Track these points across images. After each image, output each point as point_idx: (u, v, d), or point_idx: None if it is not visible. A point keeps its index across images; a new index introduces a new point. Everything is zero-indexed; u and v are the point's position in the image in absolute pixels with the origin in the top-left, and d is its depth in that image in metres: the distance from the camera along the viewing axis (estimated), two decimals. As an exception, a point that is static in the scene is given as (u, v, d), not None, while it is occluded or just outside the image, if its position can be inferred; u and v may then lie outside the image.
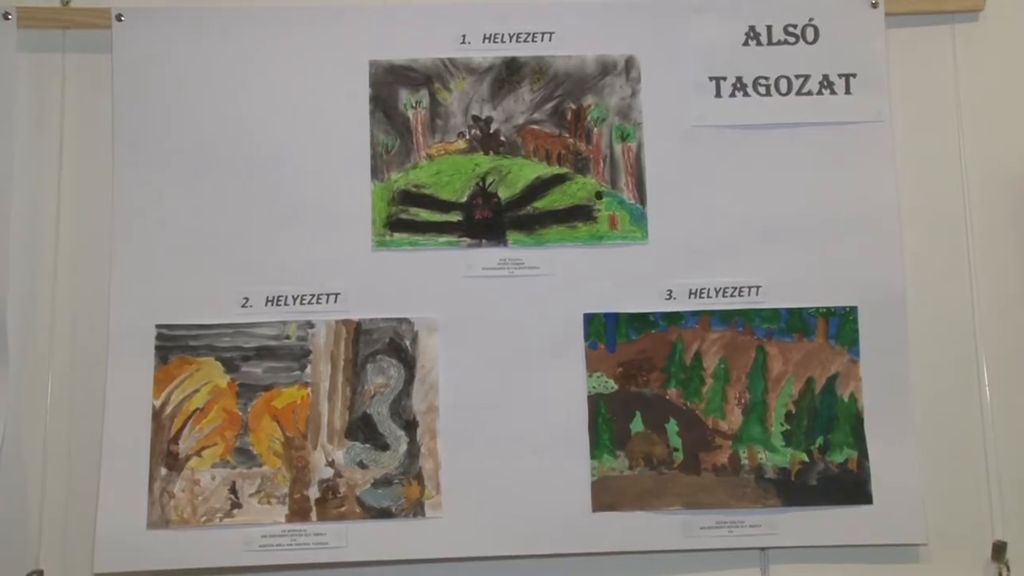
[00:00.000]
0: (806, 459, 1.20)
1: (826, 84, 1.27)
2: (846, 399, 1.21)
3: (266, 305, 1.23)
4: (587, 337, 1.23)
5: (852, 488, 1.20)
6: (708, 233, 1.25)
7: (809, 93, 1.26)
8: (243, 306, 1.22)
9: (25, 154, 1.26)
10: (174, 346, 1.21)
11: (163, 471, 1.19)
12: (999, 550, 1.21)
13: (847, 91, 1.27)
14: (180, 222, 1.23)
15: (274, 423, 1.21)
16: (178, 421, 1.20)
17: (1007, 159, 1.29)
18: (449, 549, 1.19)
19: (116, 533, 1.17)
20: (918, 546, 1.21)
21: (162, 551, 1.17)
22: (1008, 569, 1.21)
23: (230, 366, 1.21)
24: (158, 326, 1.21)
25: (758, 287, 1.23)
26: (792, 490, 1.20)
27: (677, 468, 1.21)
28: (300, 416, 1.21)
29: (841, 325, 1.22)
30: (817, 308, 1.23)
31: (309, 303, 1.23)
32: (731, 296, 1.23)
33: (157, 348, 1.21)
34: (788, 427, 1.21)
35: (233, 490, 1.19)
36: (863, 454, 1.20)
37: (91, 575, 1.19)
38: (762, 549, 1.21)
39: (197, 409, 1.20)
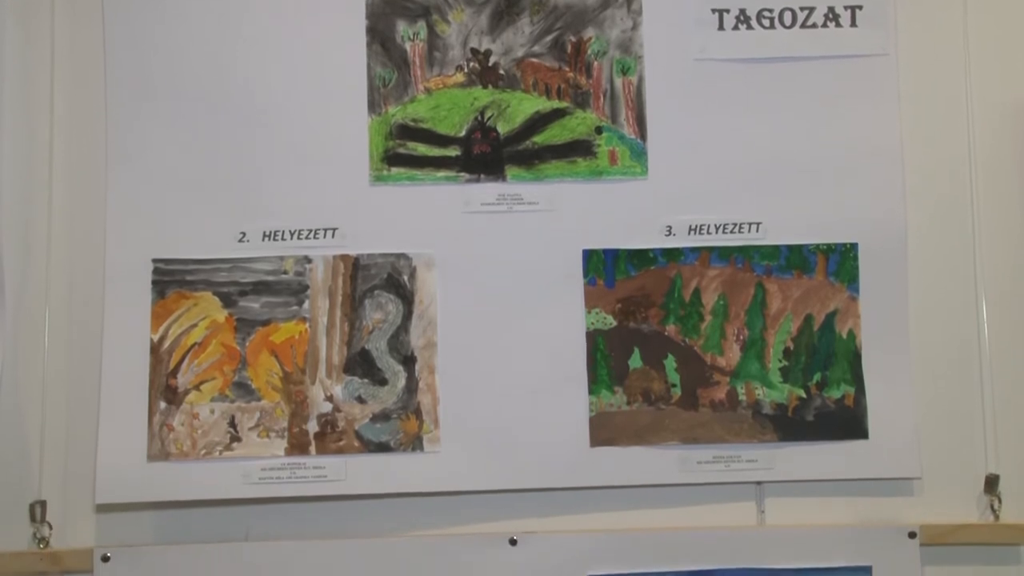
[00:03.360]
0: (803, 395, 1.21)
1: (831, 16, 1.24)
2: (844, 336, 1.21)
3: (263, 240, 1.22)
4: (586, 273, 1.22)
5: (848, 423, 1.21)
6: (709, 169, 1.23)
7: (814, 26, 1.24)
8: (240, 241, 1.22)
9: (16, 91, 1.24)
10: (171, 280, 1.21)
11: (162, 405, 1.19)
12: (991, 483, 1.22)
13: (852, 23, 1.24)
14: (175, 156, 1.21)
15: (272, 358, 1.21)
16: (176, 355, 1.20)
17: (1014, 97, 1.27)
18: (447, 483, 1.20)
19: (116, 465, 1.17)
20: (912, 480, 1.22)
21: (162, 483, 1.18)
22: (1000, 501, 1.22)
23: (228, 301, 1.21)
24: (155, 260, 1.21)
25: (758, 224, 1.23)
26: (789, 425, 1.20)
27: (675, 404, 1.21)
28: (298, 351, 1.21)
29: (841, 262, 1.22)
30: (817, 245, 1.22)
31: (306, 238, 1.22)
32: (731, 233, 1.23)
33: (154, 283, 1.20)
34: (786, 363, 1.21)
35: (232, 424, 1.20)
36: (860, 390, 1.21)
37: (92, 506, 1.20)
38: (758, 483, 1.22)
39: (195, 344, 1.20)
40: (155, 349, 1.20)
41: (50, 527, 1.19)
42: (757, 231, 1.23)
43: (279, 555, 1.19)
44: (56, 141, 1.24)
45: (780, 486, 1.22)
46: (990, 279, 1.25)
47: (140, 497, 1.18)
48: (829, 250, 1.22)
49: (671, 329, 1.22)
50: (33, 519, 1.19)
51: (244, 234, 1.22)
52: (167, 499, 1.19)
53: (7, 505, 1.21)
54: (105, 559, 1.17)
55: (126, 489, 1.18)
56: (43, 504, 1.20)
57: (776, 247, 1.22)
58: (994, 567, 1.23)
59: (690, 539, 1.20)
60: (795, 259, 1.22)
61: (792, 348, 1.21)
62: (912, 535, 1.19)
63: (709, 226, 1.23)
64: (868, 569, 1.18)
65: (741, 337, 1.22)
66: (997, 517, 1.21)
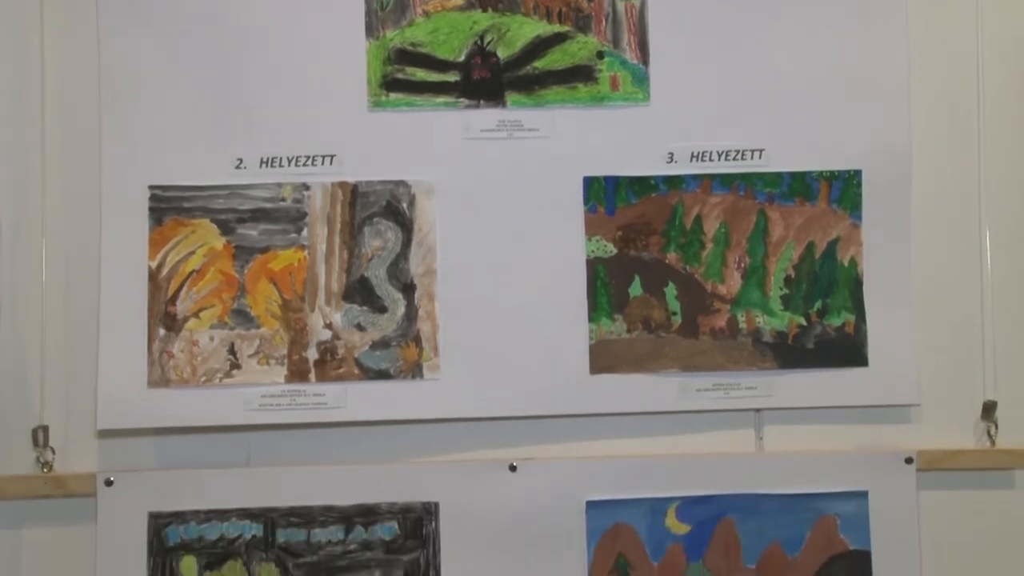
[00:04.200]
0: (804, 323, 1.21)
1: (840, -63, 1.22)
2: (846, 263, 1.21)
3: (260, 167, 1.20)
4: (586, 201, 1.21)
5: (848, 351, 1.21)
6: (711, 95, 1.21)
7: (822, -54, 1.22)
8: (237, 167, 1.20)
9: (6, 18, 1.22)
10: (168, 207, 1.20)
11: (161, 332, 1.19)
12: (989, 409, 1.23)
13: (861, -56, 1.22)
14: (170, 81, 1.19)
15: (271, 285, 1.20)
16: (175, 283, 1.19)
17: (1024, 24, 1.25)
18: (447, 410, 1.20)
19: (117, 392, 1.18)
20: (910, 406, 1.23)
21: (163, 410, 1.18)
22: (996, 427, 1.23)
23: (225, 228, 1.20)
24: (151, 187, 1.19)
25: (761, 150, 1.21)
26: (789, 353, 1.21)
27: (675, 332, 1.21)
28: (297, 278, 1.20)
29: (844, 189, 1.21)
30: (820, 172, 1.21)
31: (304, 165, 1.20)
32: (733, 159, 1.21)
33: (151, 209, 1.19)
34: (787, 291, 1.21)
35: (232, 351, 1.20)
36: (860, 318, 1.21)
37: (94, 432, 1.21)
38: (757, 410, 1.23)
39: (194, 271, 1.20)
40: (153, 276, 1.19)
41: (53, 452, 1.20)
42: (760, 158, 1.21)
43: (280, 480, 1.20)
44: (48, 68, 1.22)
45: (779, 413, 1.23)
46: (994, 208, 1.24)
47: (141, 423, 1.19)
48: (832, 177, 1.21)
49: (672, 257, 1.21)
50: (36, 444, 1.20)
51: (241, 160, 1.20)
52: (168, 425, 1.19)
53: (10, 430, 1.22)
54: (108, 483, 1.19)
55: (127, 415, 1.18)
56: (45, 429, 1.20)
57: (779, 174, 1.21)
58: (988, 491, 1.24)
59: (689, 465, 1.21)
60: (798, 186, 1.21)
61: (793, 276, 1.21)
62: (909, 460, 1.20)
63: (711, 153, 1.21)
64: (865, 494, 1.20)
65: (742, 265, 1.21)
66: (993, 443, 1.22)
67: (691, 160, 1.21)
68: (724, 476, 1.20)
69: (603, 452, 1.22)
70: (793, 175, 1.21)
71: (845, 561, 1.20)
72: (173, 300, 1.19)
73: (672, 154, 1.21)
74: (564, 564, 1.20)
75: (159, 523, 1.19)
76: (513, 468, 1.20)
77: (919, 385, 1.21)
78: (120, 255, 1.19)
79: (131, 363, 1.18)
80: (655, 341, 1.21)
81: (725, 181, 1.21)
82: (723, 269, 1.21)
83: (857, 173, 1.21)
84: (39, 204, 1.22)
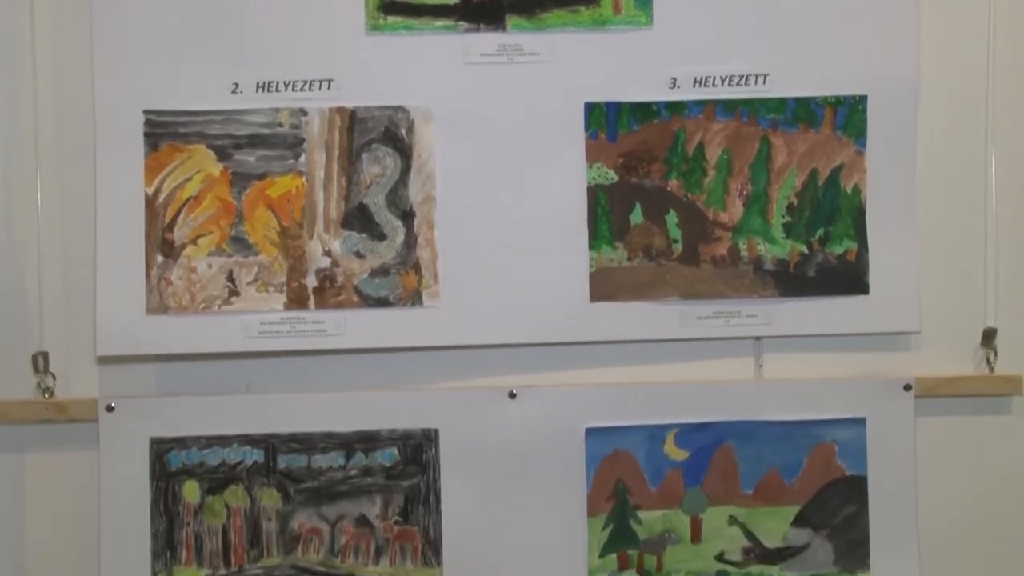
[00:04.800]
0: (805, 251, 1.20)
1: None
2: (849, 191, 1.20)
3: (257, 91, 1.18)
4: (588, 127, 1.19)
5: (849, 279, 1.20)
6: (716, 18, 1.19)
7: None
8: (233, 92, 1.18)
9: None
10: (164, 133, 1.18)
11: (159, 259, 1.18)
12: (988, 336, 1.23)
13: None
14: (164, 3, 1.17)
15: (269, 212, 1.19)
16: (172, 209, 1.18)
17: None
18: (447, 337, 1.20)
19: (116, 319, 1.17)
20: (910, 334, 1.23)
21: (162, 336, 1.18)
22: (995, 354, 1.23)
23: (222, 154, 1.19)
24: (146, 111, 1.17)
25: (765, 76, 1.19)
26: (790, 281, 1.20)
27: (676, 259, 1.20)
28: (295, 205, 1.19)
29: (849, 115, 1.19)
30: (826, 97, 1.19)
31: (301, 89, 1.18)
32: (737, 85, 1.19)
33: (146, 135, 1.18)
34: (789, 219, 1.20)
35: (230, 278, 1.19)
36: (862, 245, 1.20)
37: (94, 358, 1.21)
38: (757, 338, 1.23)
39: (191, 197, 1.18)
40: (150, 203, 1.18)
41: (54, 378, 1.21)
42: (764, 83, 1.19)
43: (280, 407, 1.20)
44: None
45: (779, 341, 1.23)
46: (1000, 135, 1.23)
47: (141, 350, 1.19)
48: (838, 103, 1.19)
49: (673, 184, 1.20)
50: (36, 369, 1.20)
51: (237, 85, 1.18)
52: (167, 352, 1.19)
53: (10, 356, 1.22)
54: (109, 409, 1.19)
55: (127, 342, 1.18)
56: (45, 355, 1.20)
57: (783, 100, 1.19)
58: (985, 417, 1.25)
59: (688, 392, 1.21)
60: (802, 112, 1.19)
61: (796, 203, 1.20)
62: (907, 387, 1.21)
63: (715, 78, 1.19)
64: (863, 421, 1.20)
65: (744, 192, 1.20)
66: (992, 369, 1.23)
67: (694, 85, 1.19)
68: (723, 403, 1.21)
69: (603, 379, 1.23)
70: (798, 101, 1.19)
71: (842, 486, 1.21)
72: (170, 227, 1.18)
73: (675, 79, 1.19)
74: (563, 490, 1.21)
75: (161, 448, 1.20)
76: (513, 395, 1.21)
77: (919, 313, 1.21)
78: (116, 181, 1.18)
79: (129, 290, 1.18)
80: (656, 269, 1.20)
81: (728, 107, 1.19)
82: (725, 197, 1.20)
83: (863, 99, 1.19)
84: (32, 131, 1.20)
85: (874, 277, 1.20)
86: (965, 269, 1.24)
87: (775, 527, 1.21)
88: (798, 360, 1.23)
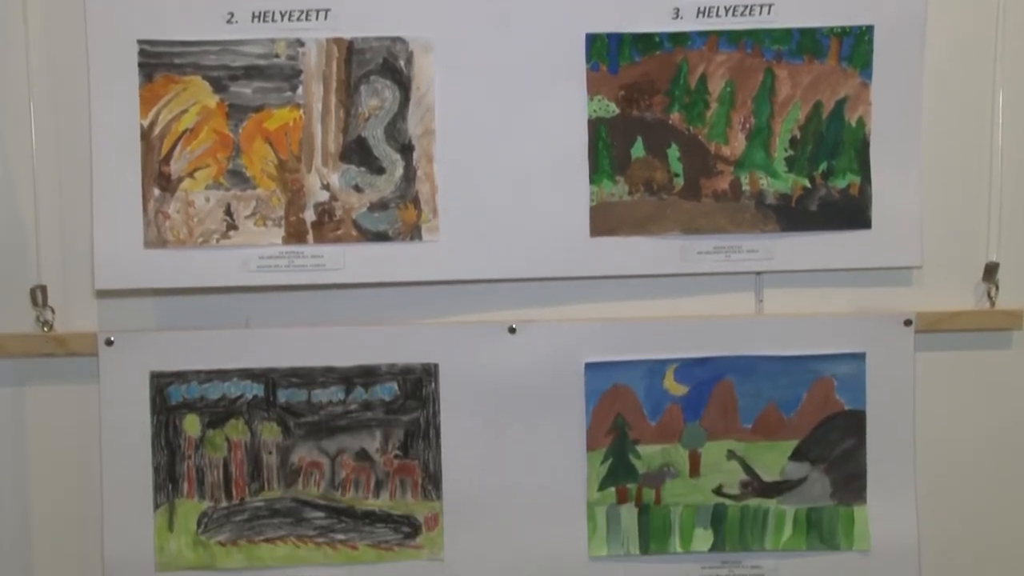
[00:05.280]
0: (808, 185, 1.19)
1: None
2: (853, 124, 1.18)
3: (252, 21, 1.16)
4: (589, 59, 1.17)
5: (852, 213, 1.19)
6: (720, -55, 1.17)
7: None
8: (228, 22, 1.16)
9: None
10: (158, 63, 1.16)
11: (156, 192, 1.17)
12: (991, 271, 1.23)
13: None
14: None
15: (267, 145, 1.18)
16: (168, 142, 1.17)
17: None
18: (446, 272, 1.19)
19: (114, 252, 1.17)
20: (912, 269, 1.22)
21: (161, 270, 1.17)
22: (997, 289, 1.23)
23: (218, 86, 1.17)
24: (140, 42, 1.15)
25: (770, 5, 1.17)
26: (791, 216, 1.19)
27: (677, 194, 1.19)
28: (293, 138, 1.18)
29: (855, 46, 1.17)
30: (831, 28, 1.17)
31: (298, 19, 1.16)
32: (741, 15, 1.17)
33: (140, 65, 1.16)
34: (792, 152, 1.18)
35: (228, 212, 1.18)
36: (866, 179, 1.19)
37: (92, 292, 1.21)
38: (757, 273, 1.22)
39: (187, 130, 1.17)
40: (146, 135, 1.17)
41: (52, 311, 1.20)
42: (768, 13, 1.17)
43: (280, 341, 1.20)
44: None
45: (780, 276, 1.22)
46: (1009, 68, 1.21)
47: (139, 284, 1.18)
48: (844, 33, 1.17)
49: (675, 117, 1.18)
50: (35, 303, 1.20)
51: (232, 14, 1.16)
52: (166, 286, 1.19)
53: (8, 289, 1.21)
54: (109, 343, 1.19)
55: (125, 275, 1.17)
56: (43, 289, 1.20)
57: (788, 30, 1.17)
58: (985, 352, 1.25)
59: (688, 327, 1.21)
60: (807, 43, 1.17)
61: (799, 137, 1.18)
62: (908, 322, 1.20)
63: (718, 8, 1.17)
64: (862, 356, 1.20)
65: (747, 125, 1.18)
66: (993, 304, 1.22)
67: (697, 16, 1.17)
68: (723, 338, 1.21)
69: (603, 314, 1.22)
70: (803, 31, 1.17)
71: (840, 421, 1.21)
72: (167, 160, 1.17)
73: (678, 9, 1.17)
74: (563, 425, 1.21)
75: (161, 382, 1.20)
76: (512, 330, 1.21)
77: (922, 247, 1.20)
78: (110, 113, 1.16)
79: (127, 223, 1.17)
80: (656, 203, 1.19)
81: (732, 38, 1.17)
82: (727, 130, 1.19)
83: (869, 29, 1.17)
84: (24, 62, 1.18)
85: (876, 211, 1.19)
86: (968, 203, 1.23)
87: (773, 461, 1.22)
88: (798, 295, 1.23)
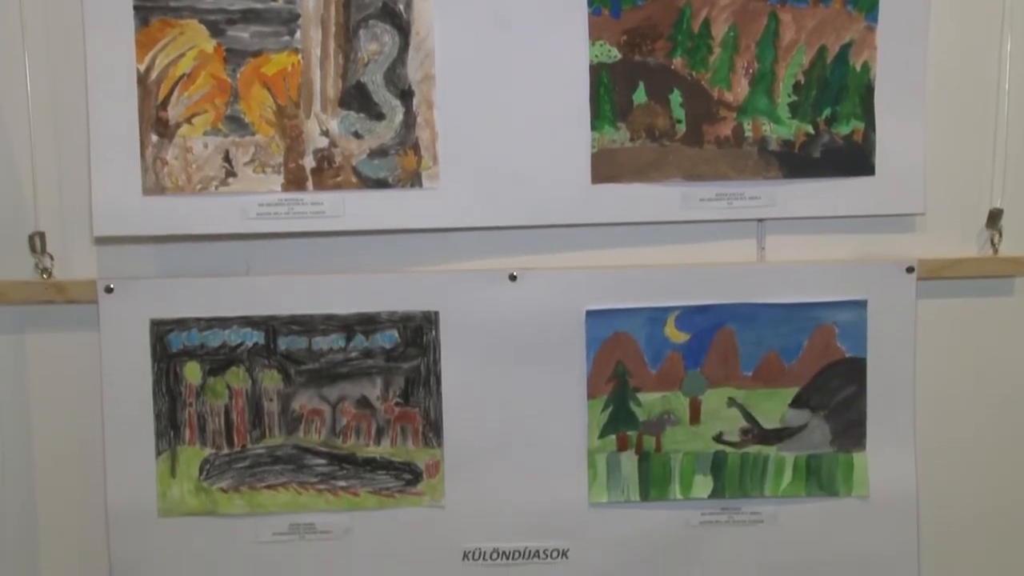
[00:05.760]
0: (811, 131, 1.18)
1: None
2: (858, 68, 1.17)
3: (247, -38, 1.15)
4: (591, 3, 1.15)
5: (855, 159, 1.18)
6: None
7: None
8: (223, -37, 1.15)
9: None
10: (154, 7, 1.14)
11: (154, 138, 1.16)
12: (994, 217, 1.22)
13: None
14: None
15: (265, 90, 1.16)
16: (165, 87, 1.15)
17: None
18: (446, 219, 1.19)
19: (112, 199, 1.16)
20: (915, 216, 1.22)
21: (160, 217, 1.16)
22: (1000, 235, 1.22)
23: (215, 30, 1.15)
24: (136, -16, 1.15)
25: (775, -52, 1.16)
26: (794, 162, 1.18)
27: (679, 140, 1.18)
28: (291, 83, 1.16)
29: (861, -12, 1.16)
30: (837, -30, 1.16)
31: (295, -39, 1.15)
32: (746, -42, 1.16)
33: (136, 8, 1.14)
34: (795, 98, 1.17)
35: (227, 158, 1.17)
36: (870, 125, 1.17)
37: (91, 239, 1.20)
38: (759, 220, 1.22)
39: (184, 75, 1.15)
40: (142, 80, 1.15)
41: (51, 258, 1.20)
42: (773, -44, 1.16)
43: (280, 289, 1.20)
44: None
45: (782, 223, 1.21)
46: (1017, 14, 1.19)
47: (138, 230, 1.17)
48: (849, -25, 1.16)
49: (678, 62, 1.17)
50: (33, 250, 1.19)
51: (227, -44, 1.15)
52: (165, 233, 1.18)
53: (7, 237, 1.21)
54: (108, 290, 1.19)
55: (124, 222, 1.17)
56: (42, 235, 1.19)
57: (793, -27, 1.16)
58: (987, 298, 1.25)
59: (689, 275, 1.20)
60: (812, -14, 1.16)
61: (803, 82, 1.17)
62: (910, 269, 1.20)
63: (722, -49, 1.16)
64: (864, 303, 1.20)
65: (750, 71, 1.17)
66: (996, 251, 1.22)
67: (701, -43, 1.16)
68: (724, 286, 1.20)
69: (603, 262, 1.22)
70: (807, -26, 1.16)
71: (841, 368, 1.21)
72: (164, 105, 1.16)
73: (681, -48, 1.16)
74: (563, 372, 1.21)
75: (161, 330, 1.20)
76: (513, 278, 1.20)
77: (925, 194, 1.19)
78: (106, 57, 1.14)
79: (124, 170, 1.16)
80: (658, 150, 1.18)
81: (736, -19, 1.16)
82: (730, 75, 1.17)
83: (875, -29, 1.15)
84: (17, 6, 1.17)
85: (880, 158, 1.18)
86: (973, 149, 1.22)
87: (773, 408, 1.22)
88: (801, 243, 1.22)
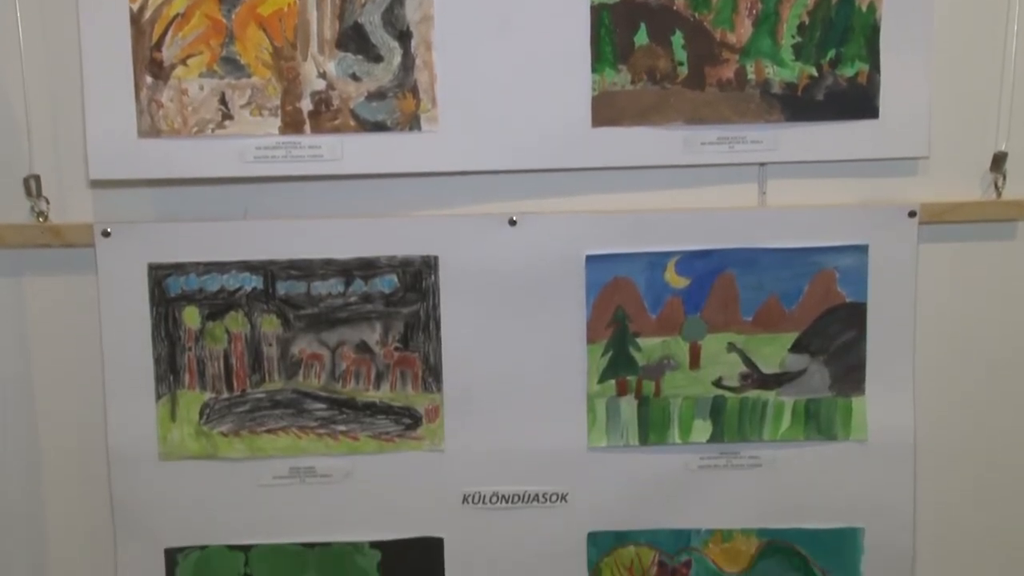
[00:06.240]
0: (815, 73, 1.16)
1: None
2: (864, 8, 1.14)
3: (242, -99, 1.13)
4: (591, -58, 1.14)
5: (859, 102, 1.16)
6: None
7: None
8: (217, -99, 1.12)
9: None
10: (147, -55, 1.13)
11: (148, 80, 1.14)
12: (999, 160, 1.20)
13: None
14: None
15: (261, 31, 1.14)
16: (159, 27, 1.14)
17: None
18: (445, 163, 1.17)
19: (107, 142, 1.15)
20: (918, 159, 1.20)
21: (156, 161, 1.15)
22: (1004, 179, 1.21)
23: (209, -32, 1.14)
24: (126, -79, 1.12)
25: None
26: (797, 105, 1.16)
27: (681, 83, 1.16)
28: (288, 24, 1.14)
29: (867, -74, 1.13)
30: (843, -92, 1.13)
31: None
32: None
33: (128, -54, 1.13)
34: (799, 40, 1.15)
35: (223, 101, 1.16)
36: (875, 67, 1.16)
37: (87, 182, 1.19)
38: (761, 164, 1.21)
39: (178, 14, 1.13)
40: (135, 20, 1.13)
41: (47, 202, 1.19)
42: None
43: (278, 234, 1.19)
44: None
45: (784, 168, 1.20)
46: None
47: (134, 174, 1.16)
48: (855, -87, 1.13)
49: (680, 3, 1.15)
50: (29, 193, 1.18)
51: None
52: (161, 176, 1.17)
53: (1, 180, 1.19)
54: (106, 234, 1.18)
55: (119, 166, 1.15)
56: (37, 179, 1.18)
57: (798, -90, 1.13)
58: (989, 242, 1.24)
59: (690, 220, 1.19)
60: (818, -77, 1.14)
61: (807, 23, 1.15)
62: (912, 214, 1.19)
63: None
64: (865, 248, 1.19)
65: (754, 11, 1.15)
66: (1000, 194, 1.21)
67: None
68: (725, 230, 1.19)
69: (604, 206, 1.21)
70: (814, -89, 1.13)
71: (841, 313, 1.21)
72: (158, 46, 1.14)
73: None
74: (563, 317, 1.21)
75: (159, 274, 1.19)
76: (513, 222, 1.19)
77: (929, 137, 1.18)
78: (98, -4, 1.13)
79: (119, 112, 1.14)
80: (660, 93, 1.17)
81: (740, -81, 1.14)
82: (733, 16, 1.15)
83: (882, -93, 1.13)
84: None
85: (885, 100, 1.16)
86: (978, 92, 1.20)
87: (773, 353, 1.22)
88: (803, 187, 1.21)
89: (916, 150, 1.18)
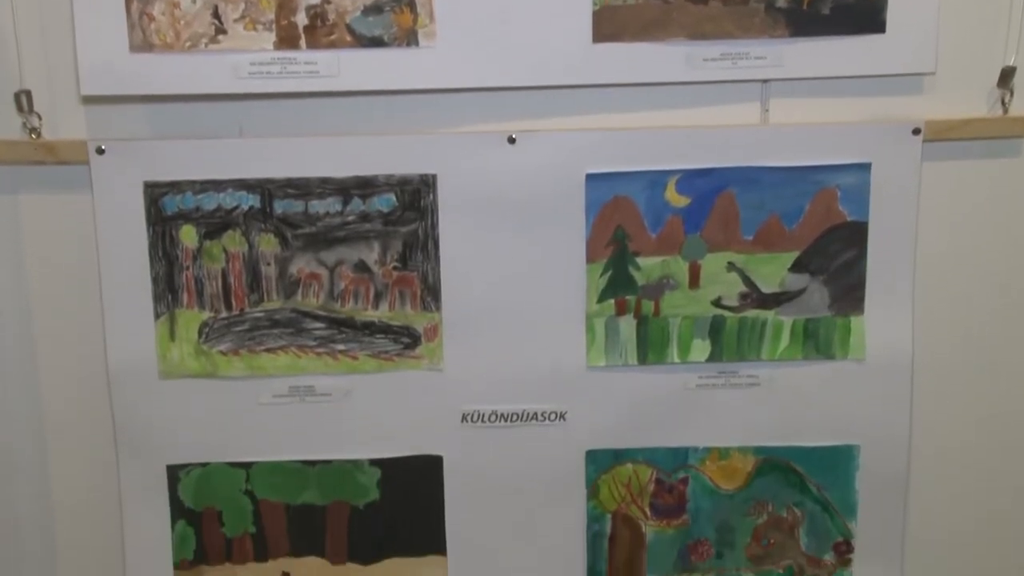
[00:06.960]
0: (821, -14, 1.14)
1: None
2: (872, -81, 1.12)
3: None
4: None
5: (866, 16, 1.14)
6: None
7: None
8: None
9: None
10: None
11: (139, -8, 1.12)
12: (1006, 76, 1.19)
13: None
14: None
15: (253, -58, 1.12)
16: (149, -62, 1.11)
17: None
18: (444, 79, 1.15)
19: (99, 57, 1.12)
20: (924, 76, 1.18)
21: (149, 76, 1.13)
22: (1011, 95, 1.19)
23: None
24: None
25: None
26: (803, 20, 1.14)
27: (684, -3, 1.15)
28: (281, -66, 1.12)
29: None
30: None
31: None
32: None
33: None
34: (806, -49, 1.13)
35: (216, 15, 1.13)
36: (882, -19, 1.14)
37: (79, 98, 1.17)
38: (764, 81, 1.19)
39: (168, -76, 1.11)
40: (125, -71, 1.11)
41: (39, 118, 1.17)
42: None
43: (275, 151, 1.18)
44: None
45: (787, 85, 1.18)
46: None
47: (127, 90, 1.14)
48: None
49: (684, -87, 1.12)
50: (20, 109, 1.16)
51: None
52: (154, 92, 1.15)
53: (-7, 95, 1.19)
54: (100, 151, 1.16)
55: (112, 81, 1.13)
56: (28, 94, 1.16)
57: None
58: (994, 160, 1.23)
59: (691, 138, 1.18)
60: None
61: (814, -63, 1.13)
62: (916, 131, 1.18)
63: None
64: (867, 166, 1.18)
65: (760, -78, 1.12)
66: (1006, 111, 1.19)
67: None
68: (726, 149, 1.18)
69: (604, 124, 1.19)
70: None
71: (842, 232, 1.20)
72: (149, -43, 1.12)
73: None
74: (562, 236, 1.20)
75: (155, 192, 1.18)
76: (512, 140, 1.18)
77: (936, 53, 1.15)
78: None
79: (110, 26, 1.12)
80: (662, 7, 1.14)
81: None
82: (738, -59, 1.13)
83: None
84: None
85: (892, 14, 1.14)
86: (987, 5, 1.18)
87: (773, 272, 1.21)
88: (806, 105, 1.19)
89: (923, 66, 1.16)
